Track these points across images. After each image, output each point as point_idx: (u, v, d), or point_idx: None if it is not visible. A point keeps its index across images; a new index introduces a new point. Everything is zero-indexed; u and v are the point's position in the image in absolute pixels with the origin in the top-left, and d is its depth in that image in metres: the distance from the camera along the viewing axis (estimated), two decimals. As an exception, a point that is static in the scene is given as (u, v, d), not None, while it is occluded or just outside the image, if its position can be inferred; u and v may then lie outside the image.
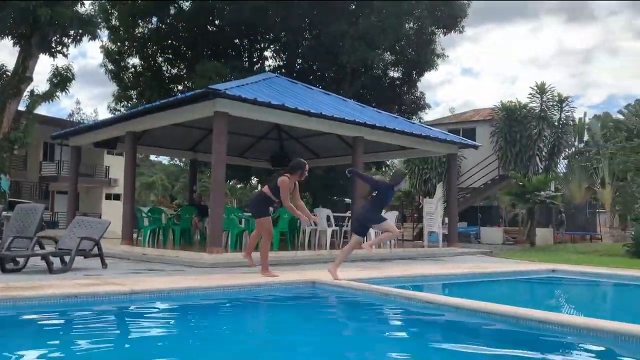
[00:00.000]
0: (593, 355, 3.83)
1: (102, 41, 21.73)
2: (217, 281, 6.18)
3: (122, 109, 21.37)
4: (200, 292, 5.73)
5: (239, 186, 40.08)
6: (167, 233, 12.31)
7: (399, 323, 5.22)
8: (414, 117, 21.80)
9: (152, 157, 59.42)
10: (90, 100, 79.03)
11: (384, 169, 26.83)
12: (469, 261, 11.23)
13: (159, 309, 5.21)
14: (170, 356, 3.58)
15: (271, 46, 22.39)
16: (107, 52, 21.50)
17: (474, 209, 21.73)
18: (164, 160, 59.31)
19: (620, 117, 27.90)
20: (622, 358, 3.70)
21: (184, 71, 21.62)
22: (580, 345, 4.02)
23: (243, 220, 11.36)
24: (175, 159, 48.57)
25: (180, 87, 21.54)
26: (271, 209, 7.32)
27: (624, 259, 12.19)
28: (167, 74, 21.94)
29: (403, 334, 4.76)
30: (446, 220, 15.22)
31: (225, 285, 5.98)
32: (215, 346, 3.93)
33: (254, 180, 27.27)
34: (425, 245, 14.20)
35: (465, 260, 11.68)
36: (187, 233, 12.32)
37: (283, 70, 21.21)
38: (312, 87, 14.96)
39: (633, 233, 14.12)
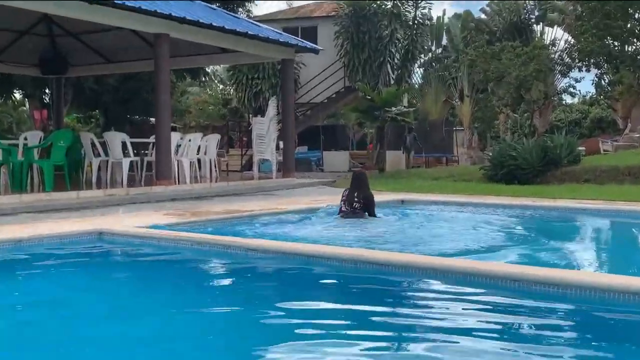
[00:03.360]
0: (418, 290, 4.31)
1: None
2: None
3: None
4: None
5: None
6: None
7: (213, 279, 5.29)
8: (241, 9, 21.39)
9: None
10: None
11: (203, 79, 26.31)
12: (307, 194, 11.68)
13: None
14: None
15: None
16: None
17: (316, 130, 22.51)
18: None
19: (483, 16, 30.37)
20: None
21: None
22: (423, 281, 4.46)
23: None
24: None
25: None
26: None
27: (479, 184, 13.67)
28: None
29: (216, 289, 4.83)
30: (282, 144, 15.53)
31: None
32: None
33: (18, 94, 24.97)
34: (256, 176, 14.42)
35: (303, 193, 12.12)
36: None
37: None
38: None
39: (491, 154, 15.81)
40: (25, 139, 11.87)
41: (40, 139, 11.91)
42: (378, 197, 10.28)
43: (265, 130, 14.08)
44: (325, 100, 22.13)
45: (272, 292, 4.67)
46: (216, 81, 36.33)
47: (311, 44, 15.78)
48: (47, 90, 21.51)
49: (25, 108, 30.47)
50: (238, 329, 3.63)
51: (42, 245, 5.86)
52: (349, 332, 3.60)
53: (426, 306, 4.14)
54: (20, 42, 15.64)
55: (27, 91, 21.73)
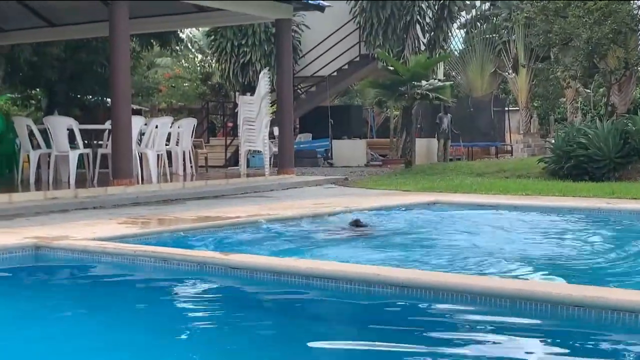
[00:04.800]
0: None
1: None
2: None
3: None
4: None
5: None
6: None
7: (183, 308, 5.28)
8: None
9: None
10: None
11: (177, 49, 26.37)
12: (310, 195, 11.70)
13: None
14: None
15: None
16: None
17: (322, 112, 22.47)
18: None
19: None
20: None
21: None
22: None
23: None
24: None
25: None
26: None
27: (538, 181, 13.65)
28: None
29: (186, 322, 4.83)
30: (277, 131, 15.56)
31: None
32: None
33: None
34: (243, 172, 14.45)
35: (305, 194, 12.13)
36: None
37: None
38: None
39: (554, 142, 15.76)
40: (-58, 127, 12.01)
41: (-38, 126, 12.02)
42: (404, 199, 10.37)
43: (255, 112, 14.07)
44: (335, 73, 22.12)
45: (260, 326, 4.64)
46: (193, 50, 36.35)
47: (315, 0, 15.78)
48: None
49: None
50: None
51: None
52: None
53: (461, 343, 4.11)
54: None
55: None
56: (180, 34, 24.95)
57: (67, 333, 4.46)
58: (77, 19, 16.28)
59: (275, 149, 15.70)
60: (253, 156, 16.80)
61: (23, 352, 4.06)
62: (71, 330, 4.53)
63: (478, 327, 4.34)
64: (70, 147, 11.55)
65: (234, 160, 19.66)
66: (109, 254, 6.11)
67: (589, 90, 29.59)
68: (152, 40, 21.57)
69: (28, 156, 11.77)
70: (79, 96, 22.39)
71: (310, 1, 15.21)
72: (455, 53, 28.99)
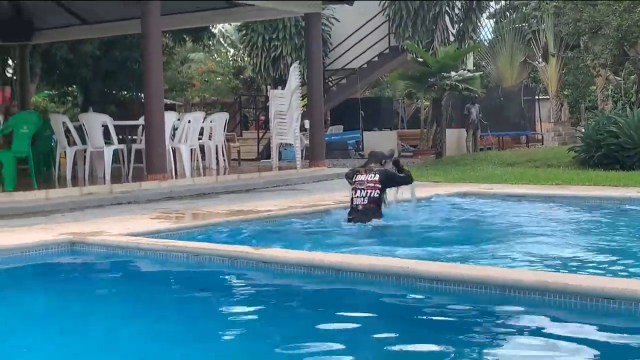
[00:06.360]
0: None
1: None
2: None
3: None
4: None
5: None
6: None
7: (213, 304, 5.27)
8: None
9: None
10: None
11: (210, 44, 26.42)
12: (340, 188, 11.56)
13: None
14: None
15: None
16: None
17: (353, 104, 22.42)
18: None
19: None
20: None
21: None
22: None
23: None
24: None
25: None
26: None
27: (567, 171, 13.52)
28: None
29: (216, 318, 4.83)
30: (307, 124, 15.50)
31: None
32: None
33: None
34: (275, 165, 14.42)
35: (336, 186, 12.05)
36: None
37: None
38: None
39: (584, 131, 15.59)
40: (-21, 125, 12.09)
41: (-1, 124, 12.10)
42: (434, 190, 10.31)
43: (286, 106, 14.03)
44: (365, 66, 22.02)
45: (292, 320, 4.62)
46: (225, 44, 36.41)
47: (344, -7, 15.74)
48: (10, 62, 21.81)
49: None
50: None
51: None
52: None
53: (490, 336, 4.07)
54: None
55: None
56: (213, 29, 25.00)
57: (101, 328, 4.49)
58: (110, 17, 16.32)
59: (307, 142, 15.65)
60: (285, 149, 16.78)
61: (58, 346, 4.09)
62: (105, 325, 4.56)
63: (508, 319, 4.29)
64: (105, 143, 11.60)
65: (266, 153, 19.66)
66: (142, 249, 6.14)
67: (619, 78, 29.20)
68: (184, 36, 21.65)
69: (65, 152, 11.85)
70: (114, 92, 22.54)
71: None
72: (485, 43, 28.73)
